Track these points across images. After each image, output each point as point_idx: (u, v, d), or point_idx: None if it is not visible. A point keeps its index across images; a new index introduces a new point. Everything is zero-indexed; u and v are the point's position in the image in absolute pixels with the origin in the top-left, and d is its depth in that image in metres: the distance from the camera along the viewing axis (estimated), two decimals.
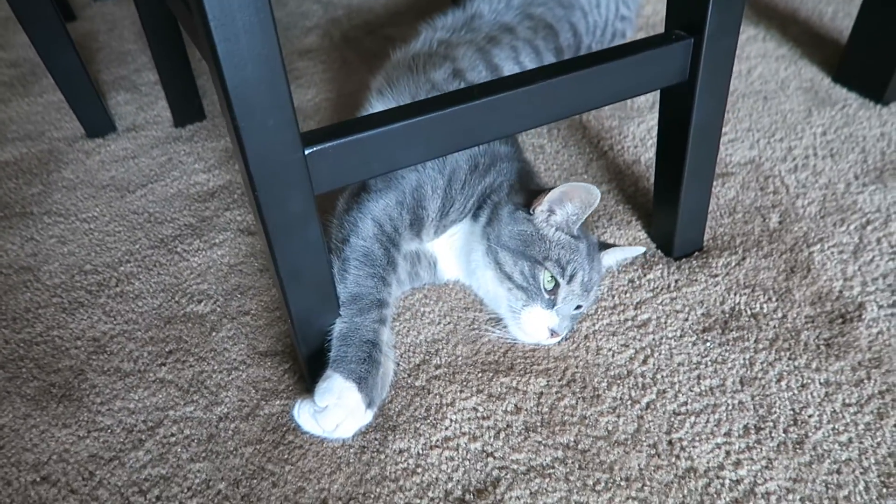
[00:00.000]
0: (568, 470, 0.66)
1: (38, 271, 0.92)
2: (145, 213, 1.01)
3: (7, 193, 1.06)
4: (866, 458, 0.66)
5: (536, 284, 0.75)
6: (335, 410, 0.66)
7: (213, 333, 0.82)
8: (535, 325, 0.75)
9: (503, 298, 0.78)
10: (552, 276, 0.75)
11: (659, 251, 0.90)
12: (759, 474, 0.65)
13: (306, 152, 0.60)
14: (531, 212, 0.78)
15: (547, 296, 0.75)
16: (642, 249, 0.87)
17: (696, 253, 0.89)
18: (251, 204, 0.63)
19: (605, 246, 0.83)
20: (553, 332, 0.75)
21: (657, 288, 0.85)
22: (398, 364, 0.78)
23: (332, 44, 1.42)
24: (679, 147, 0.80)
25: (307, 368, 0.73)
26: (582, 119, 1.16)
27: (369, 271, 0.74)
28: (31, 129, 1.20)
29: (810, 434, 0.68)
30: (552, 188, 0.75)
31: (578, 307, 0.77)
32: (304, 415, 0.68)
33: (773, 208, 0.95)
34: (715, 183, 0.99)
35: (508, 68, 0.99)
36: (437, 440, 0.70)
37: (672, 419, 0.70)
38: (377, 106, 0.95)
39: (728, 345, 0.78)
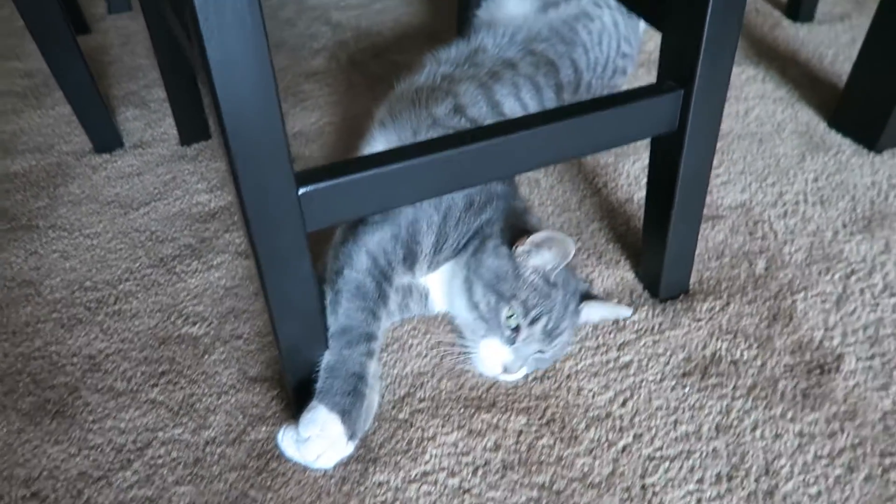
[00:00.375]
0: None
1: (40, 285, 0.94)
2: (147, 231, 1.03)
3: (14, 206, 1.08)
4: None
5: (497, 319, 0.77)
6: (317, 441, 0.68)
7: (206, 356, 0.84)
8: (489, 357, 0.78)
9: (469, 327, 0.80)
10: (515, 315, 0.77)
11: (645, 292, 0.92)
12: None
13: (300, 192, 0.62)
14: (513, 249, 0.80)
15: (508, 332, 0.77)
16: (629, 312, 0.86)
17: (682, 295, 0.91)
18: (246, 237, 0.65)
19: (591, 297, 0.83)
20: (506, 369, 0.77)
21: (641, 329, 0.87)
22: (383, 395, 0.80)
23: (338, 66, 1.45)
24: (667, 193, 0.82)
25: (294, 397, 0.75)
26: None
27: (360, 304, 0.76)
28: (41, 142, 1.23)
29: (781, 485, 0.70)
30: (536, 231, 0.78)
31: (542, 352, 0.79)
32: (288, 441, 0.70)
33: (761, 254, 0.97)
34: (705, 225, 1.01)
35: (509, 105, 1.01)
36: (417, 474, 0.71)
37: (647, 463, 0.72)
38: (379, 138, 0.97)
39: (706, 391, 0.79)
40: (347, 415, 0.69)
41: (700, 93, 0.74)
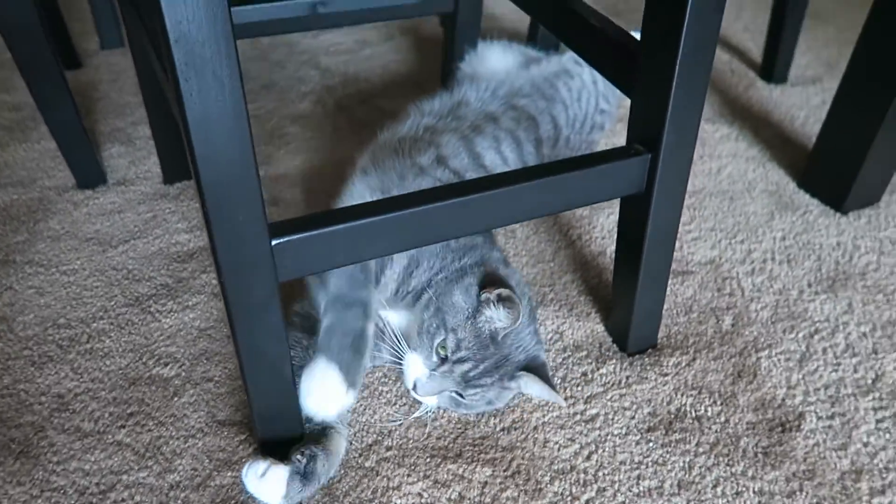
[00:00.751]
0: None
1: (13, 322, 0.94)
2: (124, 269, 1.04)
3: None
4: None
5: (431, 342, 0.80)
6: (318, 392, 0.72)
7: (176, 398, 0.85)
8: (408, 368, 0.82)
9: (409, 335, 0.84)
10: (445, 347, 0.79)
11: (614, 345, 0.93)
12: None
13: (273, 243, 0.63)
14: (479, 293, 0.82)
15: (434, 357, 0.80)
16: (564, 404, 0.85)
17: (650, 350, 0.93)
18: (219, 284, 0.66)
19: (540, 372, 0.81)
20: (415, 385, 0.80)
21: (608, 383, 0.88)
22: (351, 443, 0.80)
23: (324, 111, 1.47)
24: (635, 251, 0.84)
25: (261, 442, 0.75)
26: None
27: (350, 282, 0.80)
28: (25, 176, 1.24)
29: None
30: (507, 287, 0.79)
31: (460, 395, 0.80)
32: (252, 477, 0.71)
33: (728, 310, 0.99)
34: (675, 280, 1.04)
35: (490, 157, 1.04)
36: None
37: None
38: (361, 185, 0.99)
39: (670, 446, 0.81)
40: (346, 366, 0.73)
41: (666, 157, 0.77)
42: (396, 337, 0.84)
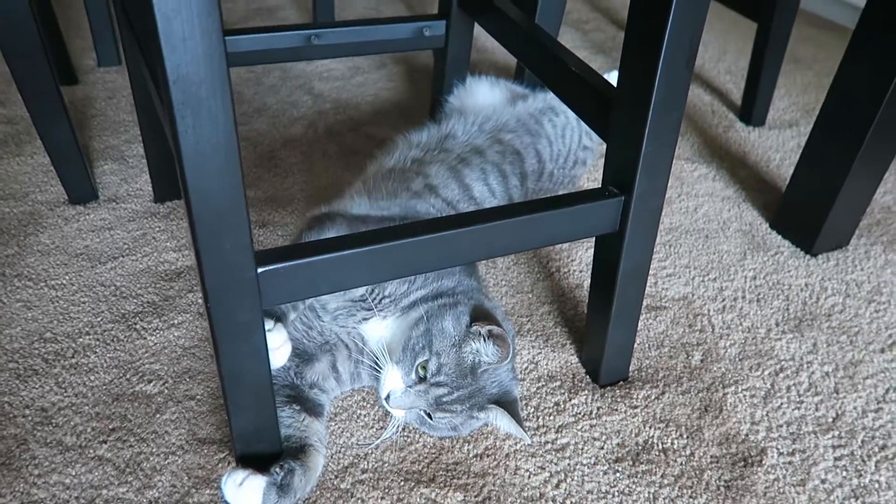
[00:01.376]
0: None
1: (0, 335, 0.96)
2: (112, 286, 1.06)
3: None
4: None
5: (413, 360, 0.83)
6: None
7: (158, 415, 0.87)
8: (385, 380, 0.85)
9: (391, 349, 0.87)
10: (427, 368, 0.82)
11: (587, 377, 0.97)
12: None
13: (258, 271, 0.66)
14: (470, 324, 0.85)
15: (413, 375, 0.83)
16: (528, 440, 0.87)
17: (621, 382, 0.96)
18: (205, 308, 0.69)
19: (508, 407, 0.83)
20: (389, 396, 0.83)
21: (580, 413, 0.91)
22: (327, 465, 0.82)
23: (315, 135, 1.51)
24: (608, 288, 0.88)
25: (239, 460, 0.78)
26: None
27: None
28: (17, 190, 1.26)
29: None
30: (499, 325, 0.83)
31: (429, 416, 0.83)
32: (230, 485, 0.74)
33: (698, 346, 1.03)
34: (648, 316, 1.07)
35: (478, 189, 1.08)
36: None
37: None
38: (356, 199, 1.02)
39: (636, 477, 0.83)
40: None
41: (638, 200, 0.80)
42: (380, 347, 0.87)
